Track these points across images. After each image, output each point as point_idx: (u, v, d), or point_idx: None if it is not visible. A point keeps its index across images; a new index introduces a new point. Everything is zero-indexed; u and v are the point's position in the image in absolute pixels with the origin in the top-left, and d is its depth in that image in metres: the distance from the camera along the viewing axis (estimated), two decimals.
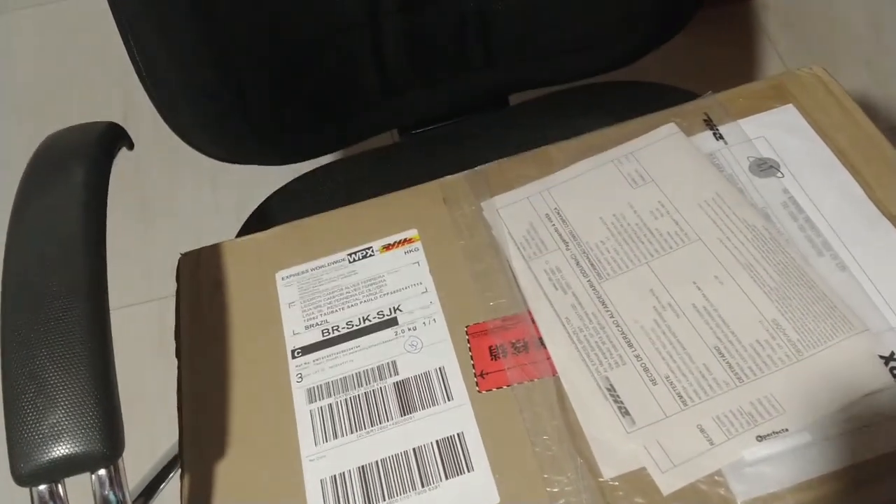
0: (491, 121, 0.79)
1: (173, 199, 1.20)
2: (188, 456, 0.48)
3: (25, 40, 1.38)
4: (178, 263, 0.58)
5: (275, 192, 0.77)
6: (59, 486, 0.38)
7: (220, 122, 0.68)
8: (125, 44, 0.60)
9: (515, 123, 0.79)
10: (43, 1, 1.41)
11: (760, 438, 0.42)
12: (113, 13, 0.58)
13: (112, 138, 0.51)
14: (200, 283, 0.56)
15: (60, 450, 0.37)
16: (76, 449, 0.37)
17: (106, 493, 0.38)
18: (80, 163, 0.47)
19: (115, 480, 0.38)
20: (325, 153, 0.80)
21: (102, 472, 0.38)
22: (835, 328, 0.45)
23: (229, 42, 0.63)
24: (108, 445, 0.37)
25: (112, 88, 1.29)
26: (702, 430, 0.43)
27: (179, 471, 0.47)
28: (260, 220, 0.74)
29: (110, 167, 0.48)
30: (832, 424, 0.42)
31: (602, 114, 0.71)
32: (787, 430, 0.42)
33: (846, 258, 0.48)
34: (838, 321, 0.45)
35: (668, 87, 0.77)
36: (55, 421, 0.37)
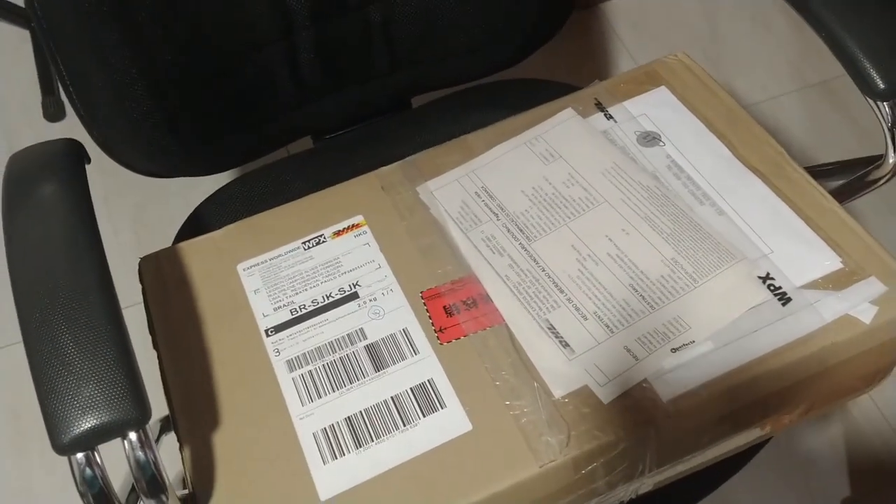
0: (397, 123, 0.86)
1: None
2: (184, 432, 0.52)
3: None
4: (139, 267, 0.62)
5: (203, 202, 0.81)
6: (96, 453, 0.42)
7: (146, 134, 0.72)
8: (50, 59, 0.63)
9: (419, 123, 0.87)
10: None
11: (674, 350, 0.52)
12: (37, 27, 0.61)
13: (77, 151, 0.55)
14: (165, 282, 0.60)
15: (96, 418, 0.41)
16: (110, 416, 0.42)
17: (138, 454, 0.42)
18: (59, 173, 0.51)
19: (146, 443, 0.42)
20: (245, 162, 0.84)
21: (133, 436, 0.42)
22: (720, 259, 0.55)
23: (152, 54, 0.66)
24: (138, 411, 0.42)
25: None
26: (628, 350, 0.52)
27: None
28: (193, 229, 0.78)
29: (86, 175, 0.53)
30: (728, 333, 0.52)
31: (497, 109, 0.80)
32: (693, 341, 0.52)
33: (722, 205, 0.59)
34: (722, 254, 0.56)
35: (549, 81, 0.87)
36: (88, 394, 0.42)
